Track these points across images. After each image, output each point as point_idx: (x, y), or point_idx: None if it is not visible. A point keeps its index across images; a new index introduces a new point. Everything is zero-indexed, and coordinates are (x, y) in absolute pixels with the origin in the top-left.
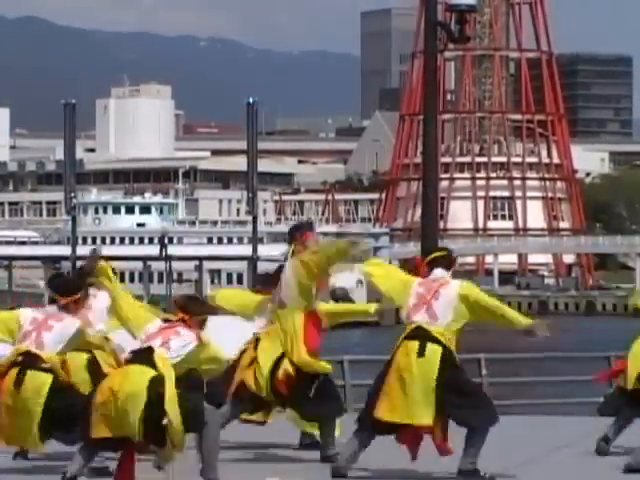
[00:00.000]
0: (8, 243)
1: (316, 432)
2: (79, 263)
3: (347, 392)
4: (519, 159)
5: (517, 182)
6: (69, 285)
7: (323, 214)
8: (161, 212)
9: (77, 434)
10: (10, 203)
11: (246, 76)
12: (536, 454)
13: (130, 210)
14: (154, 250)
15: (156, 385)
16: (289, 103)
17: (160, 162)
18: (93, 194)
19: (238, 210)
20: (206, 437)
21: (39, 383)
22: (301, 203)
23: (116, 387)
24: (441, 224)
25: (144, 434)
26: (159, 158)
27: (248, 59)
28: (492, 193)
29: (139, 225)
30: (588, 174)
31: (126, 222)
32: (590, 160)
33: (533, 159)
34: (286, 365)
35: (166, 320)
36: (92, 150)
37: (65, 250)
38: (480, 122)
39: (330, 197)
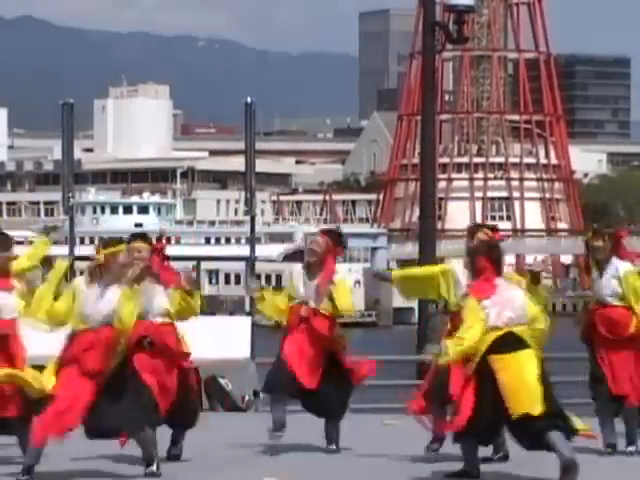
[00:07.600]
0: None
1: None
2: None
3: None
4: (517, 160)
5: (515, 183)
6: None
7: (321, 214)
8: (159, 212)
9: None
10: (8, 203)
11: (244, 76)
12: (536, 454)
13: (128, 210)
14: None
15: None
16: (287, 103)
17: (158, 162)
18: (91, 194)
19: (236, 210)
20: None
21: None
22: (299, 203)
23: None
24: (439, 225)
25: None
26: (157, 158)
27: (246, 59)
28: (490, 194)
29: (137, 225)
30: (586, 175)
31: (124, 222)
32: (588, 161)
33: (531, 160)
34: None
35: None
36: (90, 150)
37: (63, 250)
38: (478, 123)
39: (328, 197)
